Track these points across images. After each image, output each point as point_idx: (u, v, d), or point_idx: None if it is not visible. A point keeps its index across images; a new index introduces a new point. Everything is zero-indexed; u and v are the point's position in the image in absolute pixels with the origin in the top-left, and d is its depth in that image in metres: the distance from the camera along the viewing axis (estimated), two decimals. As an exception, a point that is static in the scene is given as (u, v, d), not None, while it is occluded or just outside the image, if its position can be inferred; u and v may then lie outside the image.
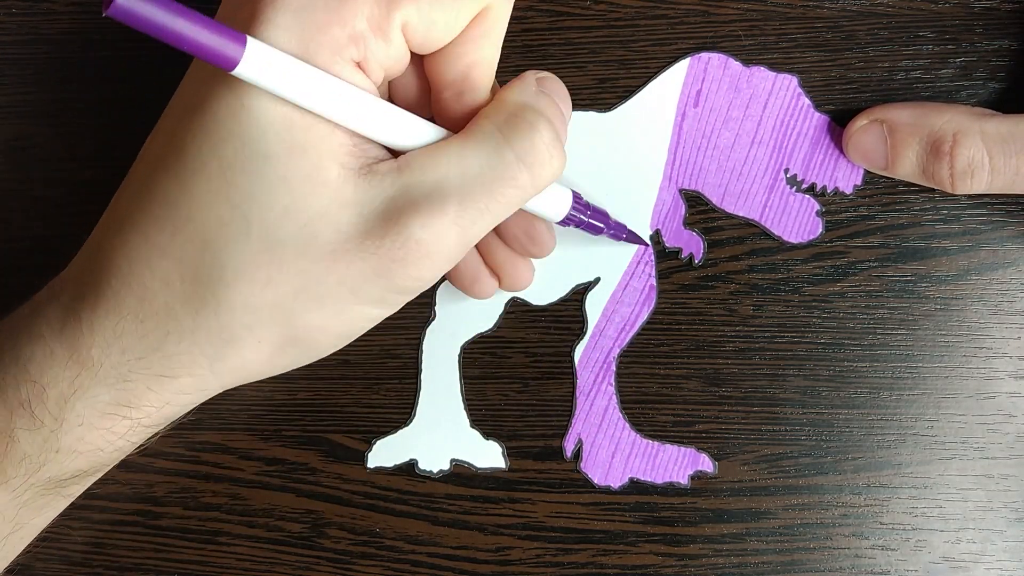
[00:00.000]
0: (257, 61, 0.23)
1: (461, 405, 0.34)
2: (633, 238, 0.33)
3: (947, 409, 0.33)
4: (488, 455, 0.34)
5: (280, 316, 0.26)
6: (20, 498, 0.27)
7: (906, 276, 0.33)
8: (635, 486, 0.33)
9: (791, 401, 0.33)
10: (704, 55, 0.32)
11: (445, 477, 0.34)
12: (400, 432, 0.34)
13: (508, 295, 0.33)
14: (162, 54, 0.33)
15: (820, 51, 0.32)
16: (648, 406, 0.33)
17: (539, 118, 0.27)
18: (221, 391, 0.28)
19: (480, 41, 0.27)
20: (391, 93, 0.29)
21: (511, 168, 0.26)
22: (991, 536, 0.33)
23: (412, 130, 0.27)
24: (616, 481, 0.33)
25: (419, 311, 0.34)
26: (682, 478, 0.33)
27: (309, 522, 0.34)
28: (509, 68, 0.33)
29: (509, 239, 0.31)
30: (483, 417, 0.34)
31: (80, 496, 0.34)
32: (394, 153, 0.27)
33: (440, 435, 0.34)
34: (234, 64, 0.23)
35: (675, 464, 0.33)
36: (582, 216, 0.30)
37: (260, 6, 0.24)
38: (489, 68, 0.28)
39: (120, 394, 0.26)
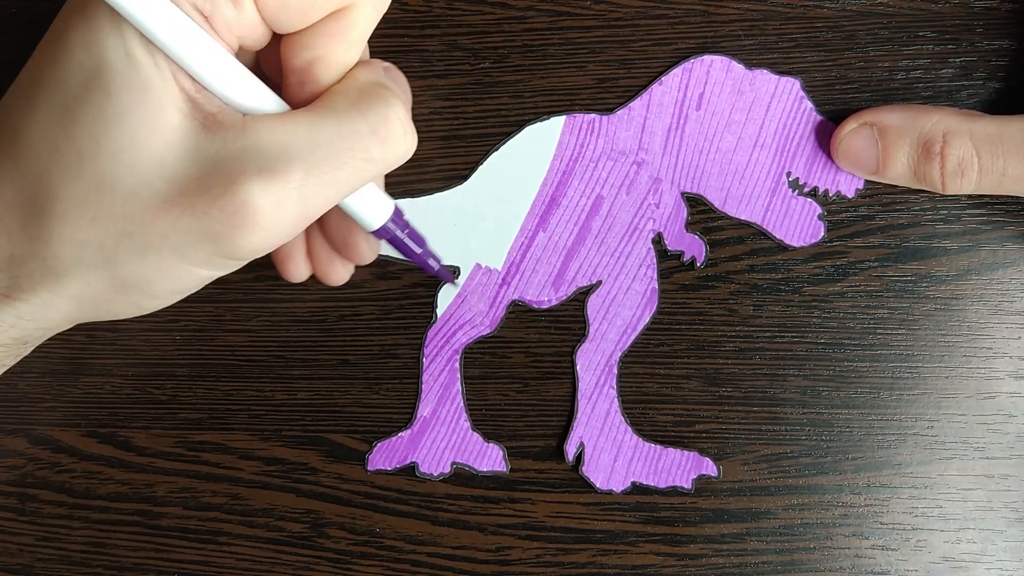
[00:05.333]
0: None
1: (462, 408, 0.34)
2: (444, 273, 0.32)
3: (947, 409, 0.33)
4: (489, 458, 0.34)
5: (103, 259, 0.25)
6: None
7: (906, 276, 0.33)
8: (635, 486, 0.33)
9: (791, 401, 0.33)
10: (707, 57, 0.32)
11: (445, 477, 0.34)
12: (400, 435, 0.34)
13: (512, 298, 0.33)
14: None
15: (820, 51, 0.32)
16: (648, 406, 0.33)
17: (392, 95, 0.26)
18: (68, 324, 0.27)
19: (333, 37, 0.26)
20: (256, 66, 0.29)
21: (364, 139, 0.25)
22: (991, 536, 0.33)
23: (261, 95, 0.26)
24: (619, 485, 0.33)
25: (420, 311, 0.34)
26: (685, 482, 0.33)
27: (309, 522, 0.34)
28: (509, 68, 0.33)
29: (330, 234, 0.30)
30: (483, 417, 0.34)
31: (80, 496, 0.35)
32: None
33: (441, 438, 0.34)
34: None
35: (678, 468, 0.33)
36: (398, 232, 0.29)
37: None
38: (336, 66, 0.27)
39: None
